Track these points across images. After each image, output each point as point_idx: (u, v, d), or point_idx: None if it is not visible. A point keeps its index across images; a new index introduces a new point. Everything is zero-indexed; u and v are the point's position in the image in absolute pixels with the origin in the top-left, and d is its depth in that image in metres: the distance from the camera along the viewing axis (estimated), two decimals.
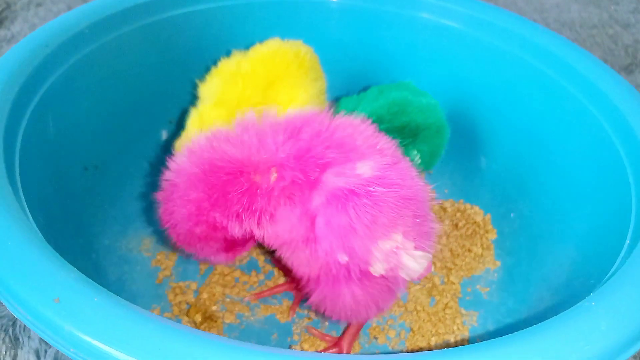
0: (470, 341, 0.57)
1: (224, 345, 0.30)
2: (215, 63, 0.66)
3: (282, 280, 0.62)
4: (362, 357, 0.49)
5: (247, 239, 0.47)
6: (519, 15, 0.65)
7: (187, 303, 0.59)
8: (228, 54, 0.67)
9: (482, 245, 0.65)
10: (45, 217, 0.45)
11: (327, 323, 0.58)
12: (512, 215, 0.66)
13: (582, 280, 0.49)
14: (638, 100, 0.53)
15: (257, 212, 0.42)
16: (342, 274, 0.44)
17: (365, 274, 0.44)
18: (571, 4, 1.10)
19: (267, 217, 0.42)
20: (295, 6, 0.68)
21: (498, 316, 0.59)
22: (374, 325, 0.58)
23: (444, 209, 0.70)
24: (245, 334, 0.57)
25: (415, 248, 0.43)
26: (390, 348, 0.57)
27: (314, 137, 0.42)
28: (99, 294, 0.33)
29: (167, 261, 0.62)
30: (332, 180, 0.40)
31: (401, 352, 0.56)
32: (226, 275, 0.61)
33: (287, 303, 0.60)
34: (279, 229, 0.43)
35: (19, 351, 0.53)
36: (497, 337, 0.33)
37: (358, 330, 0.56)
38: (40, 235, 0.38)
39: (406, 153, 0.57)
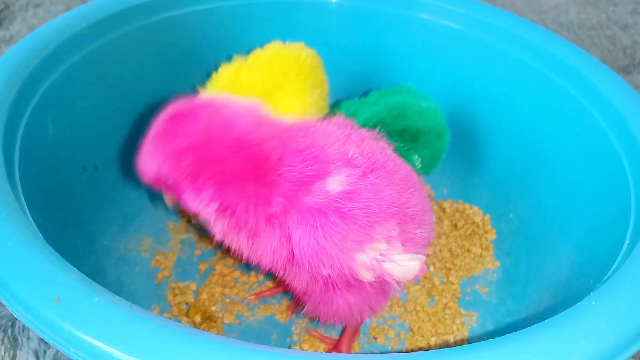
0: (469, 341, 0.57)
1: (224, 345, 0.30)
2: (214, 63, 0.66)
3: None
4: (362, 356, 0.49)
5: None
6: (518, 16, 0.66)
7: (187, 303, 0.59)
8: (227, 54, 0.67)
9: (481, 245, 0.66)
10: (44, 217, 0.45)
11: (326, 324, 0.58)
12: (511, 215, 0.66)
13: (582, 280, 0.49)
14: (637, 101, 0.54)
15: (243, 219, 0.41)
16: (332, 284, 0.44)
17: (356, 281, 0.44)
18: (570, 5, 1.11)
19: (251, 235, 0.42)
20: (294, 7, 0.68)
21: (497, 316, 0.59)
22: (374, 325, 0.58)
23: (443, 210, 0.70)
24: (245, 334, 0.57)
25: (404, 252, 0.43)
26: (389, 348, 0.57)
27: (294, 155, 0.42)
28: (99, 293, 0.33)
29: (166, 261, 0.62)
30: (303, 199, 0.40)
31: (401, 352, 0.56)
32: (225, 275, 0.61)
33: (286, 303, 0.60)
34: (262, 252, 0.43)
35: (18, 352, 0.53)
36: (496, 337, 0.33)
37: (356, 331, 0.56)
38: (40, 235, 0.38)
39: (407, 158, 0.58)
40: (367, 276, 0.42)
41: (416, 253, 0.44)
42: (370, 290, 0.47)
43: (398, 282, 0.45)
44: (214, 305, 0.59)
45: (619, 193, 0.50)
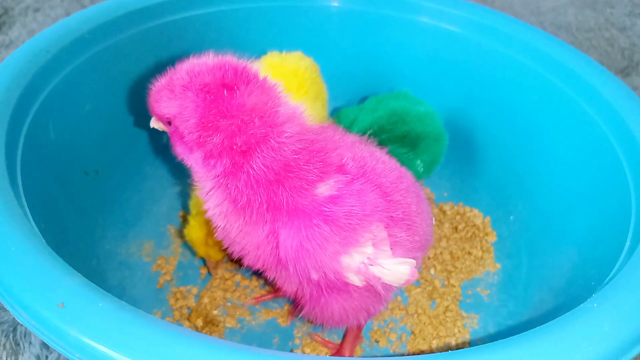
0: (471, 344, 0.57)
1: (231, 350, 0.30)
2: None
3: None
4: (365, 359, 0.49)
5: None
6: (517, 18, 0.66)
7: (188, 307, 0.59)
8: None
9: (481, 248, 0.66)
10: (47, 222, 0.45)
11: (327, 327, 0.58)
12: (511, 218, 0.66)
13: (583, 282, 0.49)
14: (636, 103, 0.54)
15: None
16: (323, 288, 0.45)
17: (347, 285, 0.44)
18: (568, 7, 1.11)
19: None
20: (294, 11, 0.68)
21: (499, 318, 0.59)
22: (375, 328, 0.58)
23: (444, 212, 0.70)
24: (247, 338, 0.57)
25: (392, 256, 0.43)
26: (391, 351, 0.57)
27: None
28: (103, 298, 0.33)
29: (167, 266, 0.62)
30: (295, 200, 0.41)
31: (402, 355, 0.56)
32: (227, 279, 0.61)
33: (288, 307, 0.60)
34: (247, 242, 0.43)
35: (20, 357, 0.53)
36: (498, 339, 0.33)
37: (358, 335, 0.56)
38: (43, 240, 0.38)
39: (410, 163, 0.58)
40: (355, 280, 0.43)
41: (406, 257, 0.44)
42: (363, 294, 0.47)
43: (388, 287, 0.45)
44: (215, 310, 0.59)
45: (619, 195, 0.50)
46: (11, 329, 0.55)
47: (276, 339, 0.57)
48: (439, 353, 0.33)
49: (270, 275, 0.47)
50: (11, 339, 0.54)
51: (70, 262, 0.37)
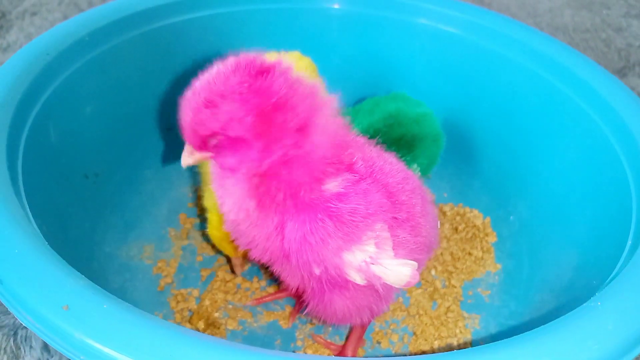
0: (473, 344, 0.57)
1: (235, 350, 0.30)
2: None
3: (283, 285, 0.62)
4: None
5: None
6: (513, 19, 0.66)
7: (190, 310, 0.59)
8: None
9: (482, 248, 0.66)
10: (48, 225, 0.45)
11: (330, 328, 0.58)
12: (511, 218, 0.66)
13: (584, 282, 0.49)
14: (635, 102, 0.54)
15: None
16: (325, 284, 0.45)
17: (348, 282, 0.44)
18: (564, 8, 1.11)
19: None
20: (295, 14, 0.68)
21: (500, 319, 0.59)
22: (377, 329, 0.58)
23: (444, 213, 0.70)
24: (249, 340, 0.57)
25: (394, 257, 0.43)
26: (393, 352, 0.57)
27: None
28: (107, 300, 0.33)
29: (168, 268, 0.62)
30: (301, 195, 0.41)
31: (404, 355, 0.56)
32: (228, 281, 0.61)
33: (289, 309, 0.60)
34: (256, 234, 0.43)
35: None
36: (500, 339, 0.33)
37: (361, 336, 0.56)
38: (47, 243, 0.38)
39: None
40: (357, 278, 0.43)
41: (409, 258, 0.44)
42: (366, 293, 0.47)
43: (389, 287, 0.45)
44: (216, 312, 0.58)
45: (620, 194, 0.50)
46: (12, 332, 0.55)
47: (278, 340, 0.57)
48: (442, 353, 0.33)
49: (275, 268, 0.47)
50: (12, 343, 0.54)
51: (71, 265, 0.37)
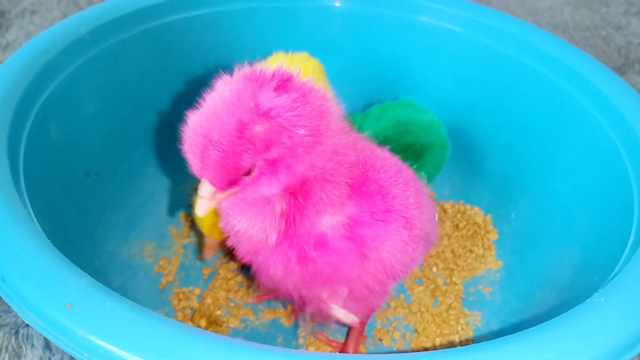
0: (475, 341, 0.58)
1: (239, 347, 0.30)
2: (215, 68, 0.66)
3: None
4: (372, 356, 0.49)
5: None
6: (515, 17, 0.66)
7: (191, 308, 0.59)
8: (229, 59, 0.66)
9: (483, 245, 0.66)
10: (49, 223, 0.45)
11: (332, 326, 0.58)
12: (512, 215, 0.66)
13: (587, 278, 0.49)
14: (636, 99, 0.54)
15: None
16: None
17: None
18: (564, 6, 1.11)
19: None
20: (295, 11, 0.68)
21: (502, 316, 0.59)
22: (379, 327, 0.58)
23: (445, 211, 0.70)
24: (251, 338, 0.56)
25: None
26: (395, 349, 0.57)
27: None
28: (111, 298, 0.33)
29: (169, 267, 0.62)
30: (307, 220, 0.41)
31: (406, 353, 0.56)
32: (229, 279, 0.61)
33: (291, 307, 0.59)
34: (265, 250, 0.43)
35: (23, 359, 0.53)
36: (501, 336, 0.33)
37: (361, 333, 0.56)
38: (49, 241, 0.38)
39: None
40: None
41: (404, 253, 0.45)
42: (361, 290, 0.47)
43: (383, 283, 0.46)
44: (218, 310, 0.58)
45: (621, 190, 0.50)
46: (13, 331, 0.55)
47: (280, 338, 0.57)
48: (444, 350, 0.33)
49: (259, 275, 0.47)
50: (13, 342, 0.54)
51: (73, 263, 0.37)
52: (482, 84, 0.66)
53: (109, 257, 0.59)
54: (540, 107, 0.61)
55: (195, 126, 0.36)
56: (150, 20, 0.62)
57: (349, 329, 0.56)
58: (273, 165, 0.36)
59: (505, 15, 0.65)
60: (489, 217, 0.68)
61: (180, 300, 0.59)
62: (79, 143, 0.56)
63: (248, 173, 0.36)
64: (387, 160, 0.47)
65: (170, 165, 0.68)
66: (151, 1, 0.62)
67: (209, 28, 0.66)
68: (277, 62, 0.57)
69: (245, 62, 0.39)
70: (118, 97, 0.61)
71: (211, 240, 0.58)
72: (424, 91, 0.67)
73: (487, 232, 0.67)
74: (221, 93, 0.36)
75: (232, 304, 0.59)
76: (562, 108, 0.59)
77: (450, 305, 0.60)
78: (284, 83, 0.36)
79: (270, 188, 0.37)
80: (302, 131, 0.35)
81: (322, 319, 0.50)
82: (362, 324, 0.56)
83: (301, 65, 0.57)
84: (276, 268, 0.43)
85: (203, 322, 0.56)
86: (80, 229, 0.55)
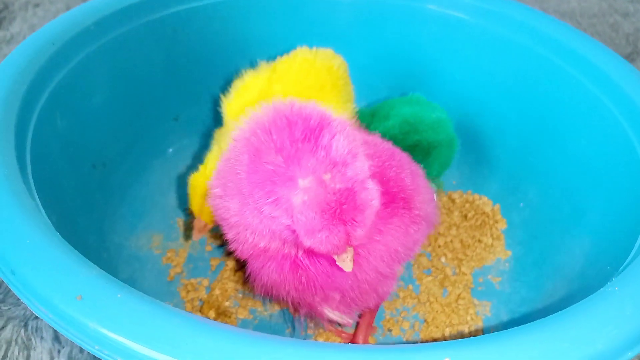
0: (484, 331, 0.57)
1: (252, 338, 0.30)
2: (221, 59, 0.66)
3: None
4: (380, 347, 0.49)
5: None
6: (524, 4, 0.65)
7: (200, 299, 0.58)
8: (234, 49, 0.66)
9: (492, 235, 0.65)
10: (57, 215, 0.45)
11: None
12: (521, 205, 0.66)
13: (598, 268, 0.49)
14: None
15: None
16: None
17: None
18: None
19: None
20: (302, 1, 0.67)
21: (512, 306, 0.59)
22: (388, 317, 0.58)
23: (453, 201, 0.69)
24: (259, 328, 0.56)
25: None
26: (404, 340, 0.57)
27: None
28: (121, 289, 0.33)
29: (177, 258, 0.62)
30: None
31: (416, 343, 0.56)
32: (237, 270, 0.61)
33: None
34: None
35: (32, 352, 0.53)
36: (511, 326, 0.33)
37: (370, 323, 0.56)
38: (58, 233, 0.38)
39: None
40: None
41: (406, 235, 0.45)
42: (371, 275, 0.47)
43: (392, 263, 0.46)
44: (227, 301, 0.58)
45: (633, 179, 0.50)
46: (22, 324, 0.55)
47: (289, 329, 0.57)
48: (456, 340, 0.33)
49: (253, 279, 0.48)
50: (22, 334, 0.54)
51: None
52: (490, 73, 0.66)
53: (116, 248, 0.59)
54: (550, 95, 0.61)
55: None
56: (156, 11, 0.61)
57: (358, 320, 0.56)
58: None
59: (513, 2, 0.64)
60: (497, 206, 0.68)
61: (188, 291, 0.59)
62: (85, 134, 0.56)
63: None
64: (380, 147, 0.47)
65: (177, 156, 0.68)
66: None
67: (215, 18, 0.65)
68: (301, 57, 0.56)
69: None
70: (124, 88, 0.60)
71: (200, 222, 0.57)
72: (432, 82, 0.66)
73: (496, 221, 0.67)
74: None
75: (240, 295, 0.59)
76: (572, 96, 0.58)
77: (459, 295, 0.60)
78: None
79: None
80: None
81: (316, 319, 0.51)
82: (372, 313, 0.55)
83: (328, 62, 0.56)
84: (270, 275, 0.44)
85: (212, 313, 0.56)
86: (88, 221, 0.55)
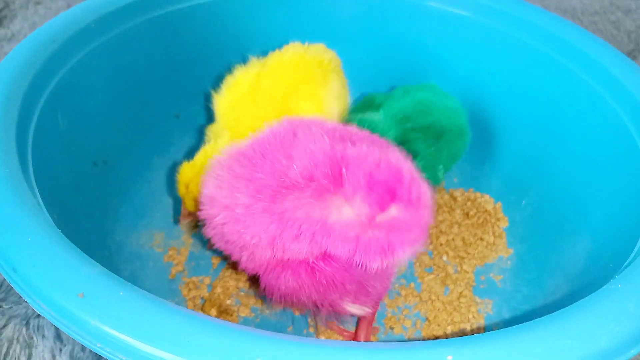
0: (486, 329, 0.57)
1: (256, 336, 0.30)
2: (222, 57, 0.66)
3: None
4: (382, 345, 0.49)
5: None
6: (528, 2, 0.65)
7: (202, 298, 0.58)
8: (235, 46, 0.66)
9: (493, 233, 0.65)
10: (59, 213, 0.45)
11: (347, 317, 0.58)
12: (523, 202, 0.66)
13: (600, 265, 0.49)
14: None
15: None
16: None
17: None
18: None
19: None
20: None
21: (513, 303, 0.59)
22: (390, 315, 0.58)
23: (454, 198, 0.69)
24: (261, 326, 0.56)
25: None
26: (406, 338, 0.56)
27: None
28: (123, 287, 0.33)
29: (179, 256, 0.62)
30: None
31: (417, 340, 0.56)
32: (239, 269, 0.61)
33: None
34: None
35: (34, 350, 0.53)
36: (513, 324, 0.33)
37: (371, 321, 0.56)
38: (59, 231, 0.38)
39: (431, 168, 0.58)
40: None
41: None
42: (376, 277, 0.47)
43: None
44: (229, 299, 0.58)
45: (635, 177, 0.49)
46: (24, 322, 0.55)
47: (291, 327, 0.57)
48: (458, 338, 0.32)
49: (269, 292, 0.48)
50: (24, 333, 0.54)
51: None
52: (492, 71, 0.66)
53: (118, 246, 0.59)
54: (552, 93, 0.61)
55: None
56: (156, 8, 0.61)
57: (359, 318, 0.56)
58: None
59: (522, 1, 0.64)
60: (499, 204, 0.68)
61: (190, 289, 0.59)
62: (86, 132, 0.56)
63: None
64: (358, 135, 0.47)
65: (178, 154, 0.68)
66: None
67: (215, 15, 0.65)
68: (291, 51, 0.56)
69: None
70: (125, 85, 0.60)
71: (185, 209, 0.57)
72: (434, 79, 0.66)
73: (498, 219, 0.67)
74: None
75: (242, 293, 0.59)
76: (574, 94, 0.58)
77: (461, 293, 0.60)
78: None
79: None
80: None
81: (336, 316, 0.51)
82: (373, 312, 0.55)
83: (319, 56, 0.56)
84: (288, 283, 0.45)
85: (214, 312, 0.56)
86: (89, 219, 0.55)
